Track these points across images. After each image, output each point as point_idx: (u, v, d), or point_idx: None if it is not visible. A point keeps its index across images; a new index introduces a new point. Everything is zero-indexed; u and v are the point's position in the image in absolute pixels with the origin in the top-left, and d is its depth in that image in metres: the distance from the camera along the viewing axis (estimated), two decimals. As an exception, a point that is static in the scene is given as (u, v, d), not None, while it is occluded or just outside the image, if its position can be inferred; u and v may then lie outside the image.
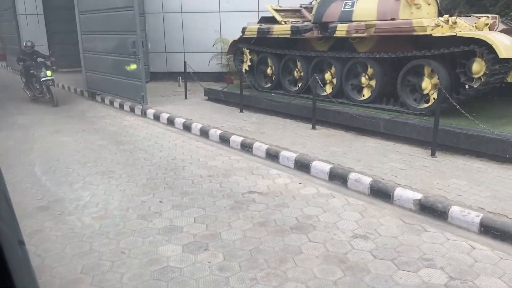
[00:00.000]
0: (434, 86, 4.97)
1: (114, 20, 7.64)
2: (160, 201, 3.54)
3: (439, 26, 4.90)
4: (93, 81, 8.77)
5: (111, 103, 8.20)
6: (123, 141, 5.53)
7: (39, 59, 8.45)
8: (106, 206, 3.48)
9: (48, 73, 8.05)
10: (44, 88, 8.20)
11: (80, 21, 8.78)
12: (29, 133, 6.04)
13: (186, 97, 8.00)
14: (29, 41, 8.68)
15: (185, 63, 8.17)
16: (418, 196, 3.31)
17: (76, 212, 3.36)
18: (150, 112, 6.98)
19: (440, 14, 5.82)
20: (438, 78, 4.91)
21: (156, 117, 6.80)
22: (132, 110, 7.50)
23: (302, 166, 4.26)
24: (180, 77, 8.74)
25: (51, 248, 2.81)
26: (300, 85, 6.65)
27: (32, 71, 8.32)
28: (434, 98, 4.87)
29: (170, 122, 6.43)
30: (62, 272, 2.55)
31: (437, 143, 4.34)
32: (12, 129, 5.95)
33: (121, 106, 7.83)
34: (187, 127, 6.05)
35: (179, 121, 6.25)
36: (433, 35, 4.80)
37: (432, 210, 3.19)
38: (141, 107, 7.29)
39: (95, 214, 3.33)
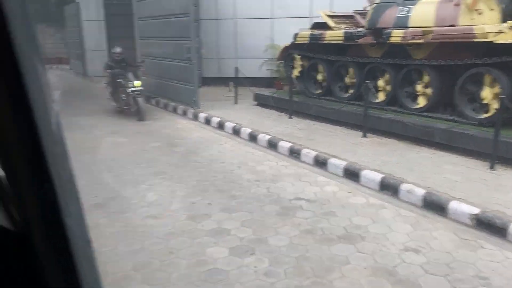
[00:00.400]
0: (495, 95, 4.72)
1: (170, 26, 7.91)
2: (209, 203, 3.61)
3: (502, 32, 4.66)
4: (149, 84, 9.11)
5: (165, 106, 8.47)
6: (175, 143, 5.70)
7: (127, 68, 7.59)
8: (157, 205, 3.60)
9: (137, 83, 7.17)
10: (131, 100, 7.36)
11: (138, 27, 9.16)
12: (87, 134, 6.37)
13: (236, 102, 8.11)
14: (118, 47, 7.91)
15: (236, 68, 8.28)
16: (475, 210, 3.15)
17: (129, 210, 3.50)
18: (202, 116, 7.14)
19: (504, 20, 5.53)
20: (499, 88, 4.66)
21: (207, 121, 6.94)
22: (184, 113, 7.71)
23: (352, 174, 4.19)
24: (231, 82, 8.87)
25: (105, 244, 2.94)
26: (351, 92, 6.55)
27: (119, 80, 7.46)
28: (494, 109, 4.63)
29: (221, 126, 6.54)
30: (114, 268, 2.66)
31: (497, 155, 4.11)
32: (71, 130, 6.30)
33: (174, 110, 8.07)
34: (236, 132, 6.13)
35: (229, 125, 6.35)
36: (495, 42, 4.56)
37: (489, 226, 3.02)
38: (193, 110, 7.48)
39: (147, 213, 3.45)
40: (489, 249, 2.82)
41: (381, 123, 5.49)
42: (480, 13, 5.51)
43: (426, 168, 4.13)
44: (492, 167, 4.08)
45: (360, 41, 6.14)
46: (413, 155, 4.61)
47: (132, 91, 7.18)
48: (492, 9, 5.75)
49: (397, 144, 5.06)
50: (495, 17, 5.74)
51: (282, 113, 7.04)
